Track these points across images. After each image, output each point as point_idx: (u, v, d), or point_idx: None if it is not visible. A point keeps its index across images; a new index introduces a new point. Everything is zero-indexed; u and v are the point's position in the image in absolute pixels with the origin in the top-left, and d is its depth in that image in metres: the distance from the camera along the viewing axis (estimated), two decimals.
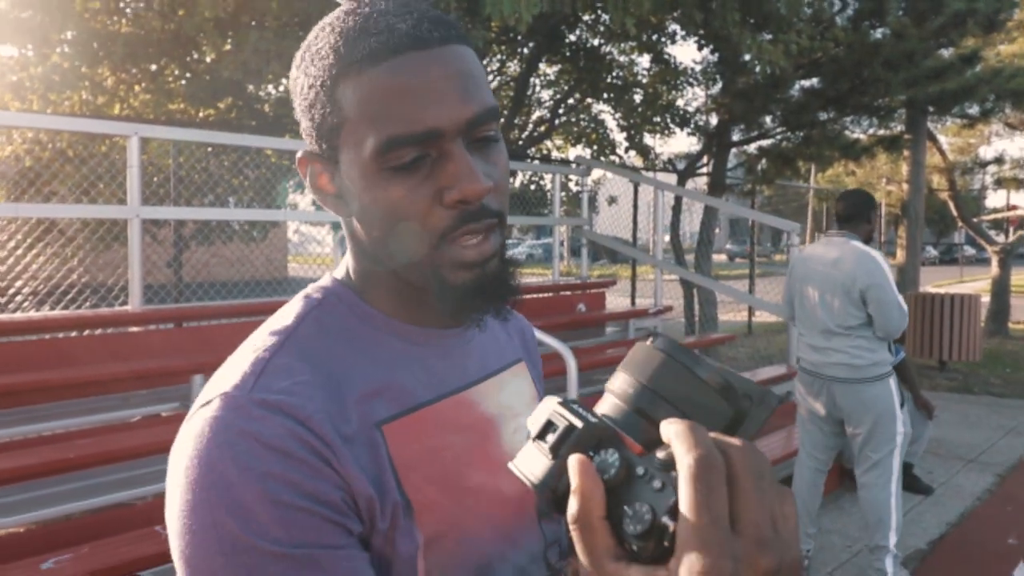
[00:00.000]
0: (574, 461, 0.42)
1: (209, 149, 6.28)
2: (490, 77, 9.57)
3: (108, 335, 4.12)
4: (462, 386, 0.72)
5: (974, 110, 9.34)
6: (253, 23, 6.49)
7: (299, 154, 0.69)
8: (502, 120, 9.58)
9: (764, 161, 9.53)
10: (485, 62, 9.27)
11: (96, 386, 3.53)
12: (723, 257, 32.85)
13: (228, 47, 6.58)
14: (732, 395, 0.42)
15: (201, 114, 7.65)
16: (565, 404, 0.45)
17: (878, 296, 3.15)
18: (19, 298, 4.92)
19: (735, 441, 0.41)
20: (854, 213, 3.35)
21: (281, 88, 8.68)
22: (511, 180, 0.72)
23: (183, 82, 7.42)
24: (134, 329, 4.22)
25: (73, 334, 4.27)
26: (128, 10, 6.93)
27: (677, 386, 0.42)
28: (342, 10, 0.65)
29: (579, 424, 0.43)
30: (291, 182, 8.43)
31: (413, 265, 0.65)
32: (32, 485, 2.90)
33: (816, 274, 3.36)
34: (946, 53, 8.50)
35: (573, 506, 0.42)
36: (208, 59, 7.20)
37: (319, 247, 9.27)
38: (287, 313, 0.69)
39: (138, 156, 3.99)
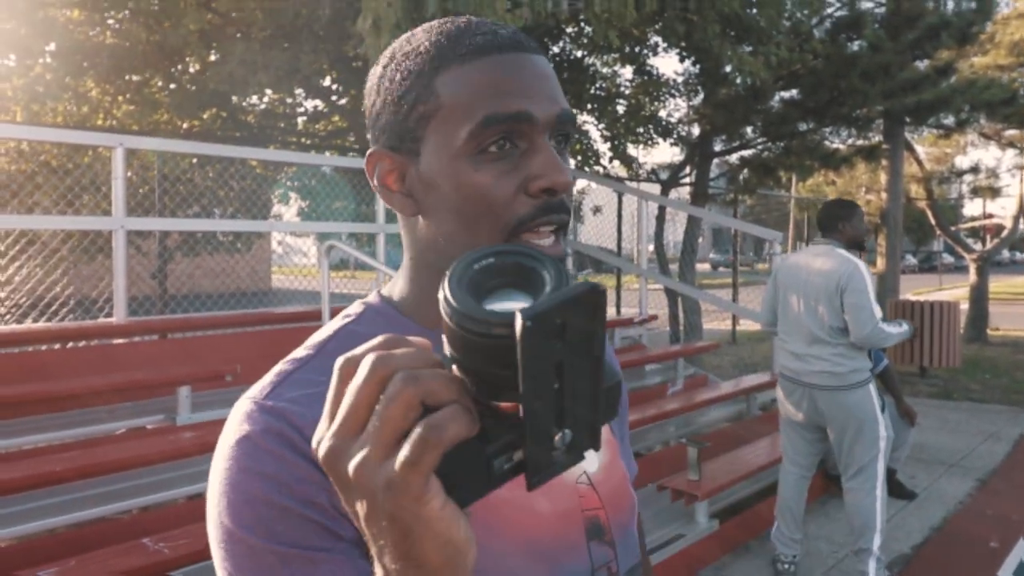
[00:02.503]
0: None
1: (194, 160, 6.26)
2: None
3: (92, 347, 4.09)
4: None
5: (949, 120, 9.52)
6: (239, 35, 6.49)
7: (369, 151, 0.70)
8: None
9: (746, 171, 9.65)
10: None
11: (80, 399, 3.50)
12: (707, 266, 33.08)
13: (213, 58, 6.58)
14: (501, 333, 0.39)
15: (185, 125, 7.62)
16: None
17: (853, 300, 3.22)
18: (1, 310, 4.87)
19: (371, 352, 0.42)
20: (827, 222, 3.47)
21: (266, 99, 8.69)
22: None
23: (167, 93, 7.39)
24: (118, 341, 4.20)
25: (56, 347, 4.24)
26: (111, 21, 6.91)
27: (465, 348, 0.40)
28: (437, 20, 0.70)
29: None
30: (275, 193, 8.42)
31: None
32: (16, 499, 2.86)
33: (800, 281, 3.41)
34: (921, 65, 8.66)
35: None
36: (193, 70, 7.19)
37: (303, 258, 9.24)
38: (326, 328, 0.71)
39: (123, 167, 3.98)
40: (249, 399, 0.63)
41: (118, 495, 3.10)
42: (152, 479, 3.23)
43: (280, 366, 0.66)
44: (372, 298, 0.74)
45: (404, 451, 0.40)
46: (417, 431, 0.39)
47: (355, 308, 0.73)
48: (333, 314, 4.33)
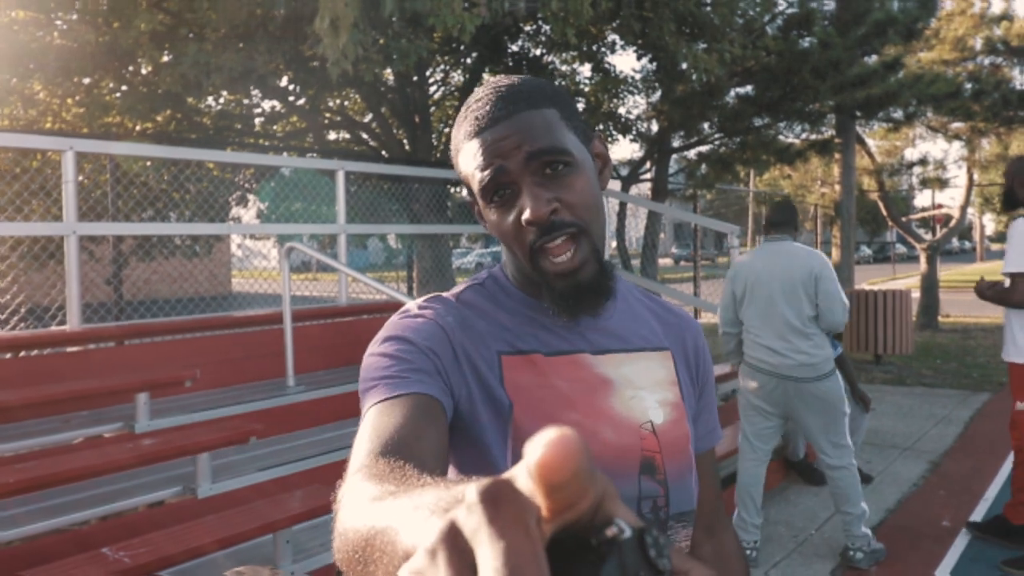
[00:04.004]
0: None
1: (148, 163, 6.14)
2: (433, 87, 9.59)
3: (46, 356, 3.99)
4: (577, 350, 0.93)
5: (898, 114, 9.79)
6: (191, 35, 6.38)
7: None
8: (447, 129, 9.64)
9: (704, 166, 9.79)
10: (428, 73, 9.29)
11: (35, 408, 3.42)
12: (668, 261, 33.46)
13: (165, 59, 6.46)
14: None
15: (138, 127, 7.46)
16: None
17: (828, 288, 3.44)
18: None
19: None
20: (786, 220, 3.67)
21: (221, 101, 8.55)
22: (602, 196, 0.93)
23: (119, 95, 7.23)
24: (73, 349, 4.10)
25: (8, 356, 4.13)
26: (59, 22, 6.73)
27: None
28: (471, 95, 0.92)
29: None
30: (233, 195, 8.28)
31: (530, 272, 0.90)
32: None
33: (770, 276, 3.53)
34: (870, 61, 8.90)
35: None
36: (145, 71, 7.05)
37: (264, 261, 9.12)
38: (462, 284, 0.99)
39: (74, 171, 3.89)
40: (412, 303, 0.93)
41: (76, 505, 3.04)
42: (111, 488, 3.17)
43: (431, 296, 0.95)
44: (494, 269, 1.00)
45: None
46: None
47: (482, 275, 1.00)
48: (294, 318, 4.24)
